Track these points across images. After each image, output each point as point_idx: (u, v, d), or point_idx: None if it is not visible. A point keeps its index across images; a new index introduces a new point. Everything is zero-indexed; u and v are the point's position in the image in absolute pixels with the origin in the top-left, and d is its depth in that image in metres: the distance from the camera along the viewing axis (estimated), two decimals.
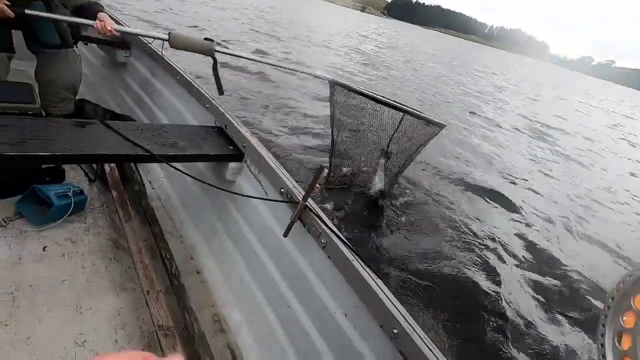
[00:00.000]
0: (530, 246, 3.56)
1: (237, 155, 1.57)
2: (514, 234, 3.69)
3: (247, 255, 1.47)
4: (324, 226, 1.15)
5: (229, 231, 1.59)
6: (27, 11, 1.59)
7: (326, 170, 3.28)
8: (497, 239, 3.48)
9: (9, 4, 1.55)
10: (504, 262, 3.15)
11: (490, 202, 4.26)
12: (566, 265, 3.37)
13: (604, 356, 0.24)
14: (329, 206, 3.09)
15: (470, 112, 8.97)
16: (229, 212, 1.61)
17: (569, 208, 4.87)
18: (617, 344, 0.24)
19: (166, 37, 1.79)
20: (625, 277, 0.25)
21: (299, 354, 1.18)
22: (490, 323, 2.40)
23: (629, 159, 9.87)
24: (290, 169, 3.52)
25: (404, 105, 2.68)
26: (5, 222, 1.44)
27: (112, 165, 1.91)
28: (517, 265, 3.18)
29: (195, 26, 9.76)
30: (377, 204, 3.29)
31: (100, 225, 1.62)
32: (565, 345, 2.42)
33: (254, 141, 1.54)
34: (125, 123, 1.55)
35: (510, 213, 4.14)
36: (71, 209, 1.54)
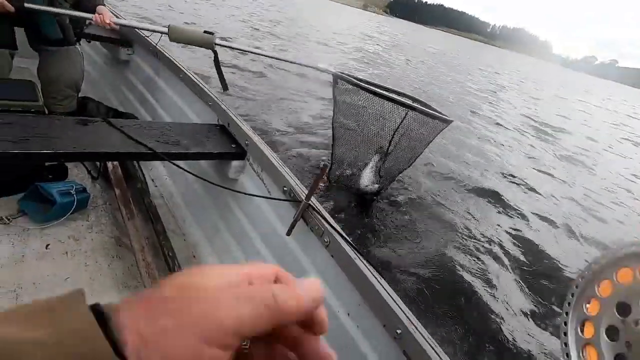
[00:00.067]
0: (530, 246, 3.55)
1: (240, 154, 1.57)
2: (516, 235, 3.69)
3: (250, 253, 1.46)
4: (327, 225, 1.15)
5: (232, 229, 1.59)
6: (26, 5, 1.58)
7: (328, 169, 3.26)
8: (498, 239, 3.47)
9: None
10: (505, 262, 3.15)
11: (491, 202, 4.25)
12: (567, 266, 3.37)
13: (566, 344, 0.24)
14: (330, 205, 3.08)
15: (471, 112, 8.95)
16: (232, 211, 1.60)
17: (570, 208, 4.86)
18: (579, 333, 0.24)
19: (165, 30, 1.78)
20: (590, 264, 0.25)
21: None
22: (493, 323, 2.40)
23: (632, 159, 9.83)
24: (293, 167, 3.52)
25: (410, 98, 2.61)
26: (8, 219, 1.45)
27: (115, 163, 1.91)
28: (517, 266, 3.18)
29: (193, 23, 9.76)
30: (377, 203, 3.29)
31: (102, 223, 1.62)
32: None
33: (256, 139, 1.54)
34: (128, 121, 1.55)
35: (511, 213, 4.13)
36: (74, 207, 1.54)
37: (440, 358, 0.82)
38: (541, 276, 3.11)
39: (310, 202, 1.20)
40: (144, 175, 1.90)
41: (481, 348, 2.20)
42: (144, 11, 9.12)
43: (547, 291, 2.94)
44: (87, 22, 1.91)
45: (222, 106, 1.74)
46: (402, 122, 2.73)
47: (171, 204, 1.88)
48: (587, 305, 0.24)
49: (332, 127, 3.10)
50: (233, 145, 1.59)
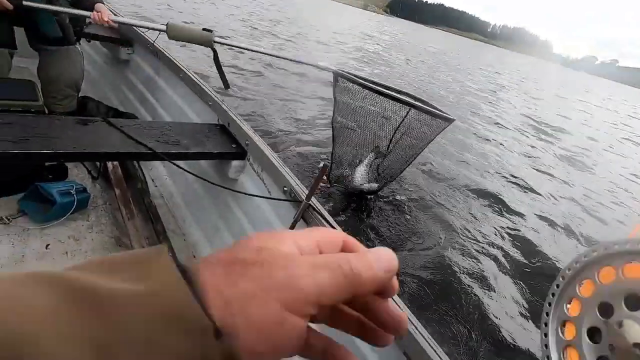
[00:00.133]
0: (530, 246, 3.55)
1: (240, 153, 1.57)
2: (515, 235, 3.68)
3: None
4: (327, 225, 1.15)
5: (232, 229, 1.59)
6: (24, 2, 1.58)
7: (328, 169, 3.25)
8: (498, 239, 3.47)
9: None
10: (505, 262, 3.14)
11: (491, 202, 4.25)
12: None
13: (546, 346, 0.23)
14: (330, 205, 3.08)
15: (471, 111, 8.95)
16: (232, 211, 1.60)
17: (570, 208, 4.85)
18: (560, 334, 0.23)
19: (164, 27, 1.77)
20: (571, 263, 0.24)
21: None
22: (493, 323, 2.40)
23: (632, 159, 9.82)
24: (293, 167, 3.52)
25: (410, 97, 2.58)
26: (8, 220, 1.44)
27: (115, 163, 1.91)
28: (517, 266, 3.17)
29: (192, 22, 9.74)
30: (377, 203, 3.28)
31: (103, 223, 1.62)
32: None
33: (256, 139, 1.53)
34: (128, 121, 1.55)
35: (511, 213, 4.13)
36: (74, 207, 1.54)
37: (441, 358, 0.82)
38: (541, 276, 3.11)
39: (310, 202, 1.20)
40: (144, 175, 1.90)
41: (481, 348, 2.20)
42: (143, 10, 9.11)
43: (546, 291, 2.93)
44: (88, 21, 1.91)
45: (223, 106, 1.74)
46: (403, 120, 2.70)
47: (171, 204, 1.87)
48: (568, 306, 0.23)
49: (332, 126, 3.08)
50: (233, 145, 1.59)
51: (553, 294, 0.25)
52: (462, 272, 2.78)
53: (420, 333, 0.87)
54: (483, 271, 2.90)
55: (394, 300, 0.96)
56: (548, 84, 32.02)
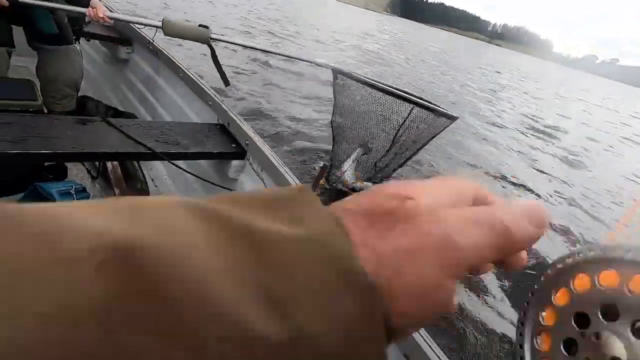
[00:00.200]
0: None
1: (240, 153, 1.57)
2: None
3: None
4: None
5: None
6: None
7: (328, 169, 3.24)
8: None
9: None
10: None
11: None
12: None
13: (522, 358, 0.22)
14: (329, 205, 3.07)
15: (471, 111, 8.95)
16: None
17: (570, 209, 4.85)
18: (535, 344, 0.21)
19: (160, 24, 1.76)
20: (546, 269, 0.22)
21: None
22: (492, 324, 2.40)
23: (632, 159, 9.82)
24: (293, 167, 3.51)
25: (412, 95, 2.57)
26: None
27: (115, 162, 1.91)
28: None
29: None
30: None
31: None
32: None
33: (256, 139, 1.53)
34: (127, 120, 1.54)
35: None
36: None
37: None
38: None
39: None
40: (143, 175, 1.90)
41: (481, 349, 2.20)
42: (139, 9, 9.10)
43: None
44: (87, 20, 1.90)
45: (222, 105, 1.74)
46: (406, 118, 2.67)
47: None
48: (543, 314, 0.21)
49: (332, 126, 3.07)
50: (233, 145, 1.59)
51: (527, 302, 0.23)
52: None
53: (420, 334, 0.87)
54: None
55: None
56: (548, 83, 32.02)
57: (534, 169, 6.08)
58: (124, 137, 1.36)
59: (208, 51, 1.87)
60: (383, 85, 2.49)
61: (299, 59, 2.30)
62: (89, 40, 2.60)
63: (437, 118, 2.56)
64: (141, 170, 1.91)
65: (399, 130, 2.79)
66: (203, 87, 1.90)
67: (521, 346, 0.21)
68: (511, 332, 2.36)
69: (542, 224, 0.19)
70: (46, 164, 1.67)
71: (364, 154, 3.04)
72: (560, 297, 0.20)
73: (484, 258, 0.18)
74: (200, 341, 0.12)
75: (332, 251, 0.15)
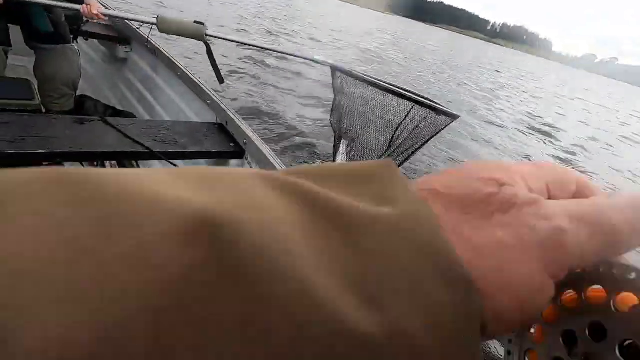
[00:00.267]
0: None
1: (238, 152, 1.56)
2: None
3: None
4: None
5: None
6: None
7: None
8: None
9: None
10: None
11: None
12: None
13: None
14: None
15: (470, 110, 8.95)
16: None
17: None
18: None
19: (154, 20, 1.75)
20: None
21: None
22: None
23: (631, 158, 9.83)
24: (291, 166, 3.51)
25: (411, 93, 2.56)
26: None
27: (113, 162, 1.90)
28: None
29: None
30: None
31: None
32: None
33: (255, 138, 1.53)
34: (125, 120, 1.54)
35: None
36: None
37: None
38: None
39: None
40: None
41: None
42: (133, 7, 9.08)
43: None
44: (85, 19, 1.90)
45: (221, 105, 1.73)
46: (406, 116, 2.66)
47: None
48: (532, 331, 0.19)
49: (332, 125, 3.06)
50: (231, 144, 1.59)
51: None
52: None
53: None
54: None
55: None
56: (547, 83, 32.03)
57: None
58: (122, 137, 1.36)
59: (204, 46, 1.85)
60: (382, 83, 2.48)
61: (296, 56, 2.29)
62: (87, 40, 2.59)
63: (438, 116, 2.55)
64: None
65: (398, 128, 2.78)
66: (201, 86, 1.89)
67: None
68: (500, 351, 2.36)
69: None
70: (44, 163, 1.66)
71: (348, 145, 3.03)
72: (548, 314, 0.19)
73: (585, 260, 0.16)
74: (294, 332, 0.10)
75: (425, 237, 0.14)
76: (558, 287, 0.16)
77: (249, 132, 1.56)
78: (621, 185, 6.63)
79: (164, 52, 2.23)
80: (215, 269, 0.10)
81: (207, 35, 1.77)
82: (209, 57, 1.86)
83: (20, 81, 1.72)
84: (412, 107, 2.58)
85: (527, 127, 9.18)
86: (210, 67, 1.89)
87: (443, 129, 2.67)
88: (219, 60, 1.90)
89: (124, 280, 0.09)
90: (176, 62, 2.13)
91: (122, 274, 0.09)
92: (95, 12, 1.71)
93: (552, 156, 7.24)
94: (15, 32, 1.81)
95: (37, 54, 1.90)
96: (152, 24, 1.77)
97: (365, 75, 2.53)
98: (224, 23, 10.82)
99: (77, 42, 2.04)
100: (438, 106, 2.53)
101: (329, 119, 3.11)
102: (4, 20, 1.73)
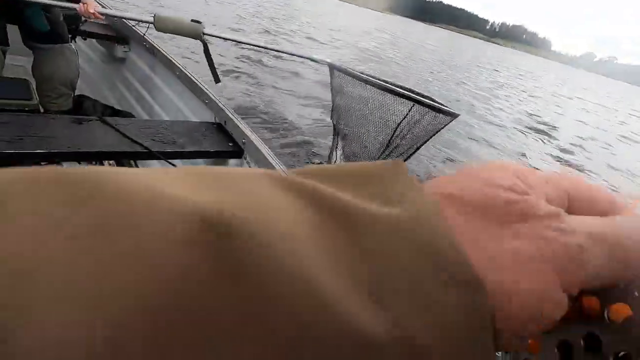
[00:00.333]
0: None
1: (237, 152, 1.56)
2: None
3: None
4: None
5: None
6: None
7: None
8: None
9: None
10: None
11: None
12: None
13: None
14: None
15: (469, 110, 8.95)
16: None
17: None
18: None
19: (151, 19, 1.75)
20: None
21: None
22: None
23: (630, 158, 9.85)
24: (290, 166, 3.51)
25: (411, 91, 2.54)
26: None
27: (111, 162, 1.90)
28: None
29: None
30: None
31: None
32: None
33: (253, 137, 1.53)
34: (124, 119, 1.54)
35: None
36: None
37: None
38: None
39: None
40: None
41: None
42: (131, 7, 9.06)
43: None
44: (83, 19, 1.89)
45: (219, 104, 1.73)
46: (406, 115, 2.65)
47: None
48: (528, 342, 0.19)
49: (333, 124, 3.06)
50: (230, 144, 1.59)
51: None
52: None
53: None
54: None
55: None
56: (546, 82, 32.07)
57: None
58: (121, 136, 1.36)
59: (202, 45, 1.85)
60: (381, 82, 2.47)
61: (294, 55, 2.28)
62: (85, 39, 2.59)
63: (437, 115, 2.54)
64: None
65: (397, 127, 2.77)
66: (200, 85, 1.89)
67: None
68: None
69: None
70: (42, 163, 1.66)
71: (342, 139, 3.01)
72: None
73: (599, 280, 0.16)
74: (298, 332, 0.10)
75: (426, 237, 0.13)
76: None
77: (248, 132, 1.56)
78: (620, 185, 6.64)
79: (162, 51, 2.23)
80: (213, 268, 0.10)
81: (204, 33, 1.76)
82: (206, 56, 1.85)
83: (19, 81, 1.72)
84: (413, 106, 2.57)
85: (526, 126, 9.18)
86: (208, 67, 1.89)
87: (443, 127, 2.66)
88: (216, 59, 1.90)
89: (122, 280, 0.09)
90: (175, 62, 2.13)
91: (121, 273, 0.09)
92: (91, 10, 1.71)
93: (551, 155, 7.25)
94: (13, 32, 1.80)
95: (35, 54, 1.89)
96: (149, 22, 1.77)
97: (363, 73, 2.52)
98: (223, 23, 10.81)
99: (75, 42, 2.04)
100: (438, 105, 2.52)
101: (328, 118, 3.11)
102: (2, 19, 1.72)
